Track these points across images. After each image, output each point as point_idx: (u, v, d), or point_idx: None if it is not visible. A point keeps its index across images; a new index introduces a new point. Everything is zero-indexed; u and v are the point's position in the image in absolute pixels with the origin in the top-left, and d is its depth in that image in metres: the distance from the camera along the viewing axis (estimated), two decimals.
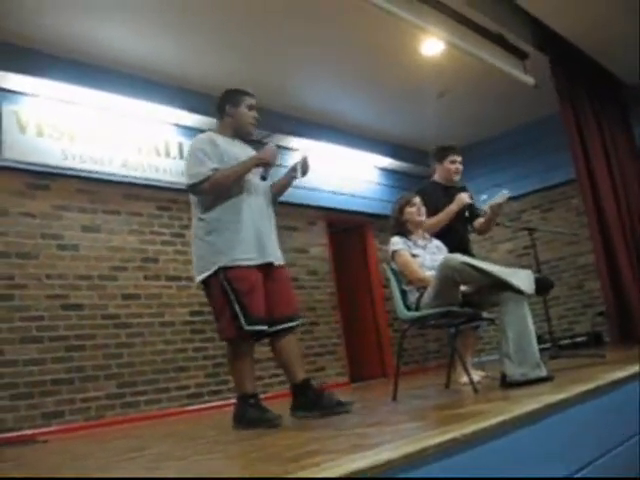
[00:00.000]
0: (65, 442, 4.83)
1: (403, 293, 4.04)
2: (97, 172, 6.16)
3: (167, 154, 6.77)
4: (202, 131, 6.94)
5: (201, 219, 3.58)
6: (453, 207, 4.72)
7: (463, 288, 3.77)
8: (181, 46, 6.18)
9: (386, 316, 9.02)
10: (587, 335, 7.92)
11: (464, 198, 4.77)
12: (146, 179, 6.53)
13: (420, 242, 4.22)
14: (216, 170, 3.49)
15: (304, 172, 3.80)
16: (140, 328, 6.20)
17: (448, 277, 3.63)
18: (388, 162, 9.32)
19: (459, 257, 3.70)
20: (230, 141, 3.71)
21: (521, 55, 6.81)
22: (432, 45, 6.54)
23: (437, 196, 4.78)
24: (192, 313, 6.63)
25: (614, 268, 6.58)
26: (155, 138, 6.72)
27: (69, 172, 5.98)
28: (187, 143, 6.89)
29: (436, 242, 4.36)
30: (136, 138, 6.55)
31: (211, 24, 5.88)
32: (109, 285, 6.09)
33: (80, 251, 5.97)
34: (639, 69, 7.76)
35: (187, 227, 6.79)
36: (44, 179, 5.87)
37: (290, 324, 3.60)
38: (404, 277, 4.04)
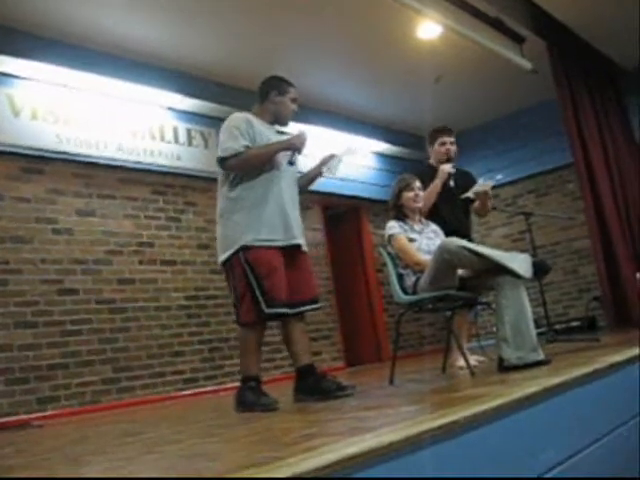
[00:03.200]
0: (61, 427, 4.83)
1: (400, 277, 4.03)
2: (92, 156, 6.12)
3: (162, 138, 6.73)
4: (197, 115, 7.03)
5: (228, 198, 3.59)
6: (437, 181, 4.71)
7: (460, 272, 3.77)
8: (176, 29, 6.13)
9: (381, 301, 9.03)
10: (582, 319, 7.94)
11: (445, 168, 4.75)
12: (141, 163, 6.50)
13: (417, 226, 4.21)
14: (247, 148, 3.52)
15: (333, 170, 3.87)
16: (135, 313, 6.18)
17: (445, 261, 3.62)
18: (384, 147, 9.29)
19: (457, 241, 3.69)
20: (266, 125, 3.74)
21: (518, 39, 6.78)
22: (429, 29, 6.50)
23: (429, 179, 4.75)
24: (187, 298, 6.63)
25: (609, 253, 6.59)
26: (150, 122, 6.68)
27: (64, 156, 5.95)
28: (182, 127, 6.89)
29: (433, 226, 4.35)
30: (131, 122, 6.51)
31: (207, 7, 5.82)
32: (104, 270, 6.07)
33: (75, 235, 5.94)
34: (638, 55, 7.74)
35: (182, 211, 6.79)
36: (38, 163, 5.83)
37: (312, 306, 3.64)
38: (401, 261, 4.03)
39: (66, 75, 5.93)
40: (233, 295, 3.56)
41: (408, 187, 4.26)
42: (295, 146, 3.65)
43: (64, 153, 5.94)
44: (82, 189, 6.10)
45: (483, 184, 4.64)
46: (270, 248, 3.48)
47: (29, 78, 5.81)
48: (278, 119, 3.81)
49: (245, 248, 3.44)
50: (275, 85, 3.79)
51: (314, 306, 3.67)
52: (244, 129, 3.57)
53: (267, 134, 3.67)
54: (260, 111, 3.80)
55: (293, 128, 7.63)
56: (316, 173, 3.94)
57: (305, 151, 3.78)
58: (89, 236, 6.04)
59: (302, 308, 3.59)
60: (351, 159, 4.08)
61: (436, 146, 4.97)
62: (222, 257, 3.56)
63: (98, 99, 6.30)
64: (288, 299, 3.48)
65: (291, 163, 3.69)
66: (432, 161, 5.07)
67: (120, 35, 6.01)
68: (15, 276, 5.48)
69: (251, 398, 3.40)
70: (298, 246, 3.63)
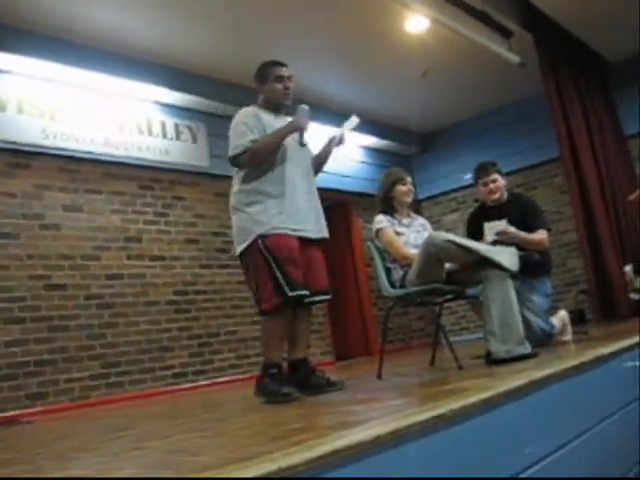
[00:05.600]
0: (50, 423, 4.82)
1: (387, 271, 4.04)
2: (78, 151, 6.08)
3: (149, 132, 6.70)
4: (185, 109, 7.00)
5: (242, 190, 3.58)
6: (487, 239, 4.23)
7: (448, 265, 3.77)
8: (163, 23, 6.08)
9: (370, 295, 9.03)
10: (570, 313, 7.93)
11: (491, 232, 4.23)
12: (128, 158, 6.46)
13: (405, 220, 4.21)
14: (254, 141, 3.50)
15: (339, 143, 3.88)
16: (124, 308, 6.16)
17: (432, 254, 3.62)
18: (372, 141, 9.28)
19: (443, 234, 3.70)
20: (271, 115, 3.71)
21: (506, 33, 6.77)
22: (417, 22, 6.47)
23: (478, 223, 4.44)
24: (176, 292, 6.60)
25: (596, 246, 6.61)
26: (137, 116, 6.64)
27: (50, 151, 5.90)
28: (169, 121, 6.86)
29: (420, 220, 4.36)
30: (118, 116, 6.47)
31: (194, 1, 5.79)
32: (92, 265, 6.04)
33: (62, 231, 5.90)
34: (625, 48, 7.76)
35: (170, 206, 6.76)
36: (24, 158, 5.78)
37: (323, 297, 3.66)
38: (389, 255, 4.03)
39: (52, 69, 5.88)
40: (253, 284, 3.53)
41: (402, 181, 4.25)
42: (299, 125, 3.62)
43: (50, 148, 5.89)
44: (69, 184, 6.06)
45: (498, 226, 4.25)
46: (287, 235, 3.47)
47: (14, 72, 5.76)
48: (274, 105, 3.76)
49: (263, 236, 3.43)
50: (258, 74, 3.77)
51: (326, 297, 3.69)
52: (252, 123, 3.56)
53: (276, 124, 3.64)
54: (261, 103, 3.77)
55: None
56: (327, 153, 3.90)
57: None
58: (76, 231, 6.00)
59: (316, 298, 3.60)
60: (355, 128, 4.02)
61: (480, 187, 4.69)
62: (239, 248, 3.55)
63: (84, 93, 6.25)
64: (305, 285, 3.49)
65: (302, 144, 3.67)
66: (481, 199, 4.83)
67: (107, 29, 5.96)
68: (2, 272, 5.44)
69: (273, 387, 3.36)
70: (312, 238, 3.62)
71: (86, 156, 6.15)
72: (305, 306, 3.62)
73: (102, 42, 6.10)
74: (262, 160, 3.54)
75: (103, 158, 6.27)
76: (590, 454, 2.64)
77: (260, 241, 3.44)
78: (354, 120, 3.98)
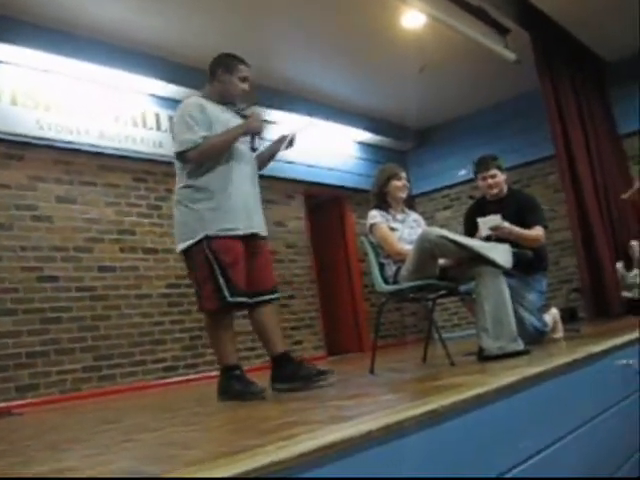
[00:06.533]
0: (41, 415, 4.81)
1: (381, 266, 4.03)
2: (73, 142, 6.06)
3: (144, 125, 6.68)
4: (179, 102, 6.95)
5: (188, 186, 3.47)
6: (481, 234, 4.20)
7: (441, 261, 3.77)
8: (159, 15, 6.06)
9: (363, 290, 9.04)
10: (562, 311, 7.95)
11: (494, 223, 4.19)
12: (122, 150, 6.45)
13: (399, 216, 4.20)
14: (205, 138, 3.40)
15: (289, 145, 3.79)
16: (116, 300, 6.15)
17: (426, 250, 3.62)
18: (367, 136, 9.29)
19: (437, 230, 3.69)
20: (219, 107, 3.60)
21: (502, 30, 6.78)
22: (413, 18, 6.48)
23: (475, 218, 4.35)
24: (169, 285, 6.59)
25: (590, 245, 6.62)
26: (132, 109, 6.63)
27: (44, 142, 5.88)
28: (164, 114, 6.83)
29: (414, 216, 4.35)
30: (113, 108, 6.45)
31: None
32: (85, 257, 6.03)
33: (55, 222, 5.89)
34: (621, 47, 7.77)
35: (164, 199, 6.74)
36: (18, 149, 5.76)
37: (271, 296, 3.57)
38: (382, 250, 4.03)
39: (47, 60, 5.86)
40: (194, 282, 3.50)
41: (396, 176, 4.24)
42: (254, 129, 3.55)
43: (45, 139, 5.87)
44: (63, 176, 6.04)
45: (492, 221, 4.20)
46: (233, 237, 3.40)
47: (9, 62, 5.73)
48: (226, 99, 3.65)
49: (209, 237, 3.35)
50: (222, 63, 3.65)
51: (273, 296, 3.60)
52: (199, 117, 3.44)
53: (223, 117, 3.55)
54: (209, 92, 3.66)
55: (277, 117, 7.62)
56: (273, 152, 3.84)
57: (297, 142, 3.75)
58: (70, 223, 5.99)
59: (261, 298, 3.53)
60: (305, 133, 3.98)
61: (479, 181, 4.67)
62: (183, 245, 3.45)
63: (79, 85, 6.23)
64: (248, 288, 3.43)
65: (253, 149, 3.60)
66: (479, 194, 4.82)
67: (103, 21, 5.94)
68: None
69: (240, 387, 3.32)
70: (257, 235, 3.56)
71: (80, 148, 6.14)
72: (266, 303, 3.56)
73: (98, 33, 6.08)
74: (211, 158, 3.45)
75: (97, 150, 6.26)
76: (582, 451, 2.65)
77: (205, 242, 3.35)
78: (308, 122, 3.95)
